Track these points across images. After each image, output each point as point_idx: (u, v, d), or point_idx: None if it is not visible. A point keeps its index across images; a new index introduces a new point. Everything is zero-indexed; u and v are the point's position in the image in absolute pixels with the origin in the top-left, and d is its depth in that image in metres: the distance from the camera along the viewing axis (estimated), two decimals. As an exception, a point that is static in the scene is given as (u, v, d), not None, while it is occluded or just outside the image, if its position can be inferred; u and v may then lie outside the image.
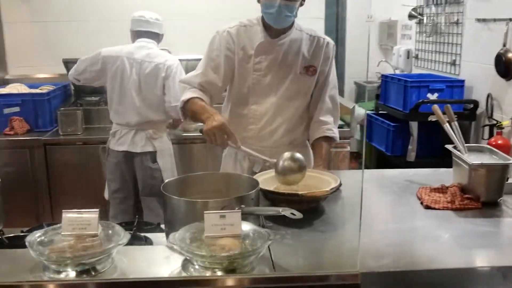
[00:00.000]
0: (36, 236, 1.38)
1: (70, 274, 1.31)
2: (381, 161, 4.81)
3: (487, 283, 1.35)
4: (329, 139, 2.23)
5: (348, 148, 3.57)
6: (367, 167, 5.62)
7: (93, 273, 1.33)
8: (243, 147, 1.93)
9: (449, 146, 2.00)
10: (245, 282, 1.23)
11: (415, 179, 2.11)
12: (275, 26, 2.07)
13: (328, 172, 2.03)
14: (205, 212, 1.38)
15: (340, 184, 1.80)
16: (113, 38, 3.35)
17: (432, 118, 4.31)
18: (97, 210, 1.40)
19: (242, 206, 1.52)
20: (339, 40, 6.50)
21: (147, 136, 3.17)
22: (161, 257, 1.40)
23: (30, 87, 3.96)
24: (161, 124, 3.27)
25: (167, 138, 3.32)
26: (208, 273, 1.30)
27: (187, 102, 2.04)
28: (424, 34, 4.38)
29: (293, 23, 2.12)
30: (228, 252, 1.29)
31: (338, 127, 3.47)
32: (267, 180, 1.89)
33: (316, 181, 1.86)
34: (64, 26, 4.22)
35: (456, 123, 2.03)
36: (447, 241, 1.55)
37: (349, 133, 3.54)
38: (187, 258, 1.33)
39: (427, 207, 1.79)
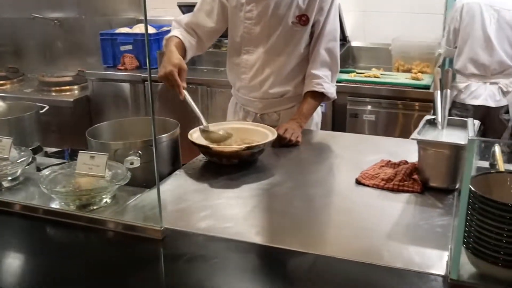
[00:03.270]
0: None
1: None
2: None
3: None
4: (318, 94, 2.06)
5: (431, 113, 3.09)
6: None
7: (-6, 189, 1.58)
8: (187, 97, 1.87)
9: (427, 117, 1.68)
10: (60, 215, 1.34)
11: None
12: None
13: (299, 128, 1.95)
14: (79, 151, 1.50)
15: (270, 142, 1.72)
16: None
17: None
18: (11, 138, 1.63)
19: (139, 152, 1.59)
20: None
21: None
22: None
23: (158, 28, 4.39)
24: None
25: None
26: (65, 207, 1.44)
27: (167, 39, 2.05)
28: None
29: None
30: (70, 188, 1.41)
31: (415, 87, 3.07)
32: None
33: (254, 134, 1.80)
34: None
35: (449, 91, 1.69)
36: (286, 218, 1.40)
37: (428, 95, 3.08)
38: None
39: (357, 182, 1.59)
